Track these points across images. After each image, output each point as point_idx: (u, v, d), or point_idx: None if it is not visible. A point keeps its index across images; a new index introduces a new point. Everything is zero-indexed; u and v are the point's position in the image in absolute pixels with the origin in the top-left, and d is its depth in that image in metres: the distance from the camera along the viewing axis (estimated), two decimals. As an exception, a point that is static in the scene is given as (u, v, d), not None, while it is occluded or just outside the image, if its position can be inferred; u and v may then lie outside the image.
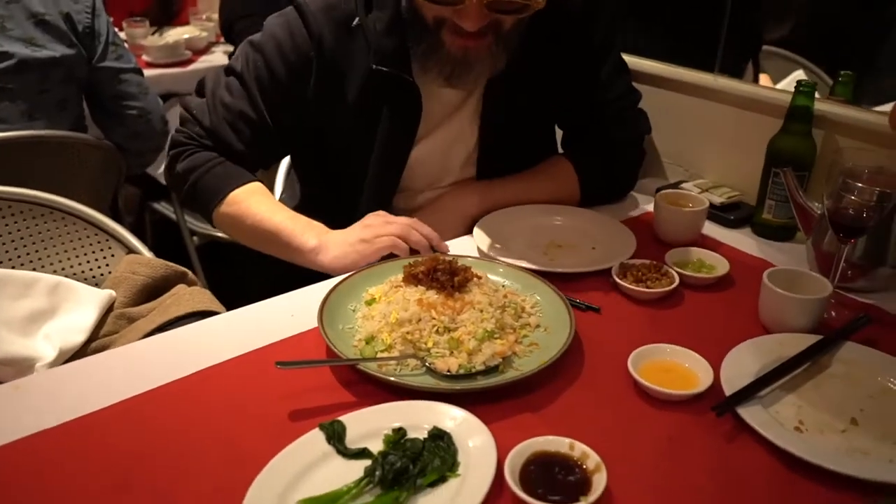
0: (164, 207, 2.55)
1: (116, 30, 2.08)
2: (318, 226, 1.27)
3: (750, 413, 0.89)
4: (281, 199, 1.84)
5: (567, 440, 0.81)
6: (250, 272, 2.23)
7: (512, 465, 0.78)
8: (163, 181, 2.49)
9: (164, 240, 2.51)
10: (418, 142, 1.37)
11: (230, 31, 2.58)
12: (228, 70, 1.37)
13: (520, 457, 0.80)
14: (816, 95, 1.31)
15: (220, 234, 2.40)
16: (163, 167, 2.49)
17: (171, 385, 0.95)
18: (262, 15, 1.42)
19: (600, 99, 1.46)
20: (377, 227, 1.22)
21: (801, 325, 1.06)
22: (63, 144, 1.87)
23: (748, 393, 0.91)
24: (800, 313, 1.06)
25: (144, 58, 2.73)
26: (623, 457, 0.83)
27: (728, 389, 0.92)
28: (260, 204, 1.31)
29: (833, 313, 1.15)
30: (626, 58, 1.52)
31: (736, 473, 0.83)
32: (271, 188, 1.79)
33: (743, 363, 0.98)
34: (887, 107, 1.67)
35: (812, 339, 1.02)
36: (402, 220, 1.23)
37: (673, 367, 0.97)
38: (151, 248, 1.46)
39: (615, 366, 0.99)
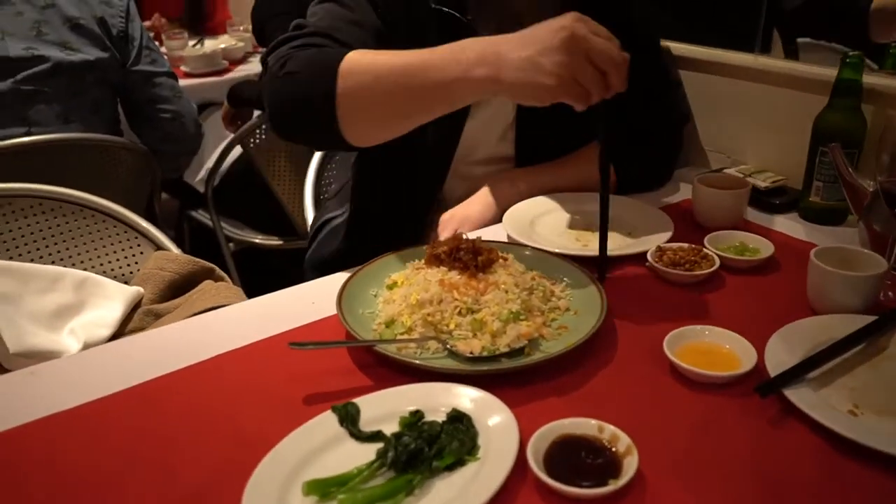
0: (201, 215, 2.56)
1: (152, 35, 2.10)
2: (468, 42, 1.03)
3: (798, 395, 0.82)
4: (326, 184, 1.81)
5: (596, 422, 0.76)
6: (286, 279, 2.22)
7: (535, 447, 0.73)
8: (200, 188, 2.53)
9: (202, 247, 2.52)
10: (472, 113, 1.33)
11: (262, 32, 2.60)
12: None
13: (544, 440, 0.74)
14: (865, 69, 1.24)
15: (256, 240, 2.40)
16: (199, 175, 2.53)
17: (186, 370, 0.92)
18: (290, 14, 1.39)
19: (639, 83, 1.40)
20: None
21: (853, 305, 0.98)
22: (97, 147, 1.88)
23: (796, 374, 0.84)
24: (852, 292, 0.98)
25: (183, 68, 2.76)
26: (657, 440, 0.77)
27: (773, 372, 0.85)
28: (388, 53, 1.08)
29: (890, 294, 1.07)
30: (665, 42, 1.46)
31: (781, 459, 0.76)
32: (304, 177, 1.78)
33: (790, 345, 0.91)
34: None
35: (866, 319, 0.94)
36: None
37: (712, 349, 0.91)
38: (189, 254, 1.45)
39: (650, 350, 0.92)
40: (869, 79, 1.26)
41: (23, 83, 1.76)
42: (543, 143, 1.39)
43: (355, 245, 1.44)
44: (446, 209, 1.34)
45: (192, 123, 2.11)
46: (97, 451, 0.78)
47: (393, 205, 1.42)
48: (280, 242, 2.38)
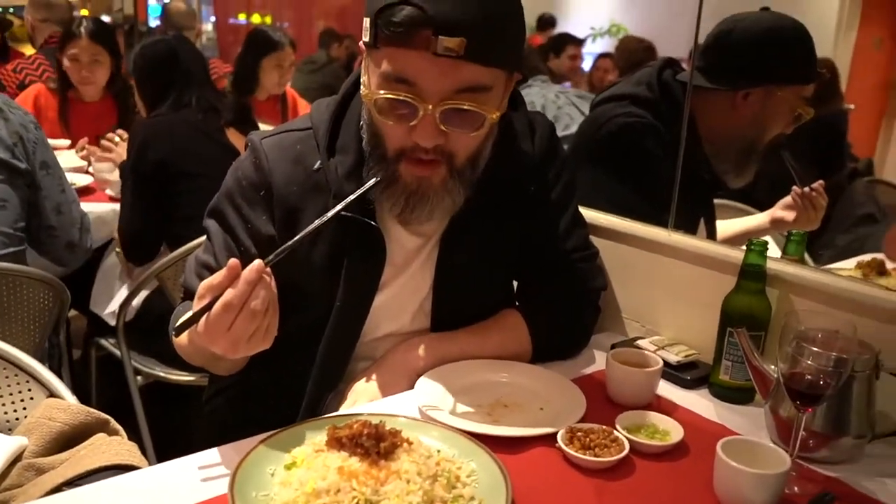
0: (109, 344, 2.45)
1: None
2: None
3: None
4: None
5: None
6: (196, 415, 2.12)
7: None
8: (110, 321, 2.44)
9: (108, 377, 2.40)
10: (381, 289, 1.33)
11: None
12: (204, 228, 1.39)
13: None
14: (769, 254, 1.29)
15: (165, 375, 2.30)
16: (110, 307, 2.46)
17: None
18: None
19: (557, 251, 1.43)
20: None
21: (759, 501, 0.98)
22: (4, 275, 1.81)
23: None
24: (758, 489, 0.98)
25: (108, 192, 2.72)
26: None
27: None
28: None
29: (795, 488, 1.06)
30: (583, 210, 1.50)
31: None
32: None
33: (695, 548, 0.89)
34: (842, 263, 1.69)
35: (772, 519, 0.94)
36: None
37: (618, 552, 0.88)
38: (94, 384, 1.37)
39: (555, 548, 0.89)
40: (773, 265, 1.32)
41: None
42: (460, 313, 1.39)
43: (249, 412, 1.39)
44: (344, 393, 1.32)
45: (82, 254, 2.21)
46: None
47: (287, 383, 1.35)
48: (191, 378, 2.28)
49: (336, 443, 0.96)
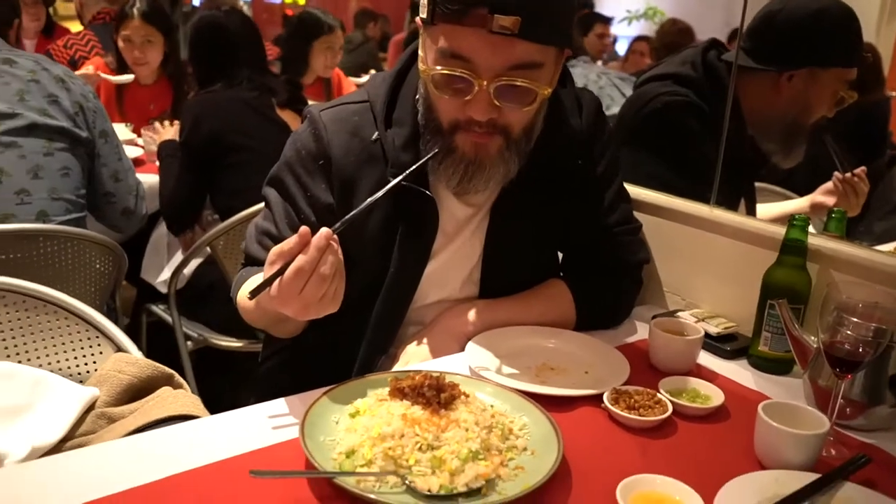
0: (161, 310, 2.54)
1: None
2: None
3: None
4: None
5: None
6: (243, 381, 2.21)
7: None
8: (161, 290, 2.53)
9: (158, 343, 2.50)
10: (432, 257, 1.38)
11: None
12: (263, 196, 1.43)
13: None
14: (811, 230, 1.33)
15: (215, 341, 2.39)
16: (162, 275, 2.55)
17: (141, 488, 0.91)
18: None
19: (602, 224, 1.47)
20: None
21: (798, 461, 1.02)
22: (67, 239, 1.90)
23: (742, 532, 0.87)
24: (797, 449, 1.03)
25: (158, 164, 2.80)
26: None
27: (721, 527, 0.88)
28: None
29: (832, 451, 1.11)
30: (626, 186, 1.55)
31: None
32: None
33: (737, 499, 0.94)
34: (885, 247, 1.71)
35: (809, 476, 0.99)
36: None
37: (664, 499, 0.93)
38: (145, 349, 1.44)
39: (603, 494, 0.94)
40: (814, 240, 1.35)
41: (2, 135, 1.90)
42: (507, 282, 1.44)
43: (302, 372, 1.45)
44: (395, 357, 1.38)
45: (137, 221, 2.28)
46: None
47: (340, 346, 1.41)
48: (240, 345, 2.37)
49: (399, 393, 1.02)
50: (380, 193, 1.16)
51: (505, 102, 1.20)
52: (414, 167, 1.21)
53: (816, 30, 1.65)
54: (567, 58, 1.33)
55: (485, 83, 1.17)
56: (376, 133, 1.34)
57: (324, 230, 1.07)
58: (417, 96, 1.32)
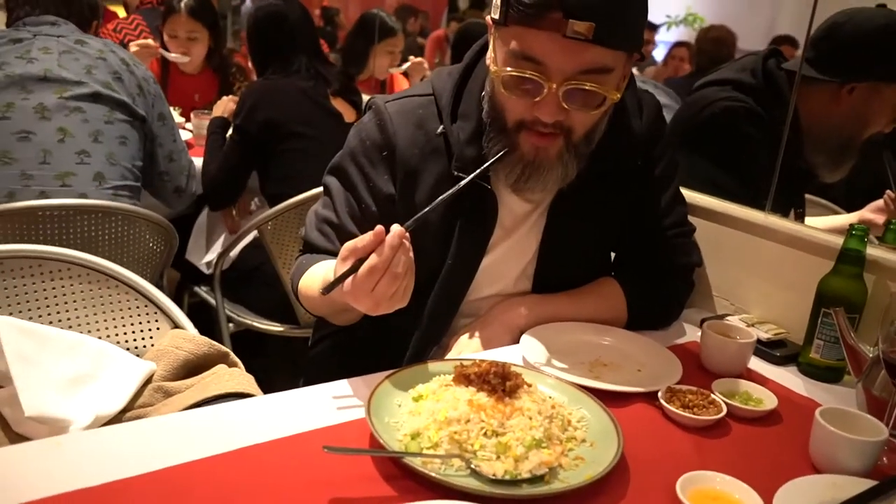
0: (203, 291, 2.59)
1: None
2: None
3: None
4: None
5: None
6: (283, 365, 2.24)
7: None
8: (205, 270, 2.58)
9: (199, 324, 2.53)
10: (489, 251, 1.40)
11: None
12: (324, 184, 1.46)
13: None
14: (871, 239, 1.33)
15: (256, 324, 2.43)
16: (207, 257, 2.59)
17: (209, 460, 0.94)
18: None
19: (657, 226, 1.48)
20: None
21: (854, 467, 1.03)
22: (123, 216, 1.96)
23: (803, 532, 0.88)
24: (855, 455, 1.03)
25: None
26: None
27: (781, 527, 0.89)
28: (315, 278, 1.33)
29: (885, 460, 1.12)
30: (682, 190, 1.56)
31: None
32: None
33: (797, 500, 0.95)
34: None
35: (866, 483, 0.99)
36: None
37: (723, 497, 0.94)
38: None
39: (662, 488, 0.96)
40: (871, 251, 1.35)
41: (69, 100, 2.01)
42: (561, 279, 1.45)
43: (353, 358, 1.47)
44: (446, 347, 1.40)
45: (187, 199, 2.37)
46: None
47: (393, 334, 1.42)
48: (281, 329, 2.40)
49: (464, 379, 1.04)
50: (452, 191, 1.18)
51: (573, 106, 1.21)
52: (484, 166, 1.23)
53: (883, 44, 1.65)
54: (637, 60, 1.33)
55: (554, 86, 1.18)
56: (441, 126, 1.36)
57: (397, 228, 1.08)
58: (483, 93, 1.34)
